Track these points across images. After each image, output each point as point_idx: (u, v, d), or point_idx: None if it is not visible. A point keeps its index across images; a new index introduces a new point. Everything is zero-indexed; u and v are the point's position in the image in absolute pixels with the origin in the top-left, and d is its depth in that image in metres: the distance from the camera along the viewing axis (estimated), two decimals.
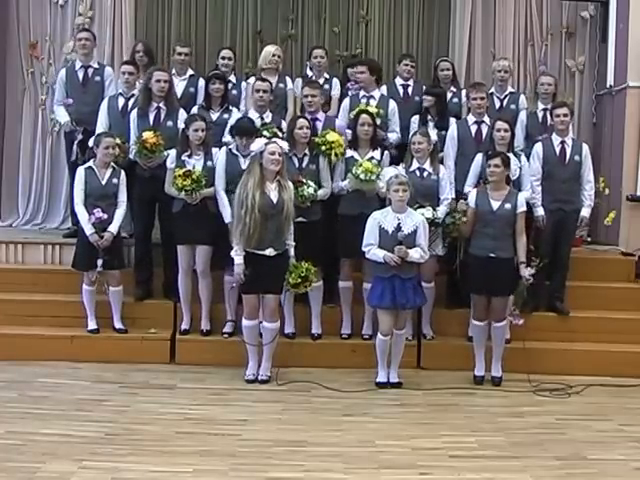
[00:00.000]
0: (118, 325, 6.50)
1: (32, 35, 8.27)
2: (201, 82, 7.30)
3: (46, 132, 8.27)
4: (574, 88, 8.52)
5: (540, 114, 7.04)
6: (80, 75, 7.34)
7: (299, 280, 5.86)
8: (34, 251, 7.28)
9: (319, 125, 6.70)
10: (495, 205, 6.02)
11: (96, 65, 7.40)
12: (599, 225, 8.03)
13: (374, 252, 5.86)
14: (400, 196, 5.84)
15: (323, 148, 6.37)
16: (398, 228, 5.83)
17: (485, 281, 5.95)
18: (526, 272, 5.96)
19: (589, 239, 8.09)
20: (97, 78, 7.34)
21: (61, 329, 6.44)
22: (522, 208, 6.08)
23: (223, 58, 7.33)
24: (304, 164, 6.38)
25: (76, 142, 7.12)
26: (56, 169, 8.22)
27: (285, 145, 5.97)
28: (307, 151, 6.39)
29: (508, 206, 6.02)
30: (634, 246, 7.58)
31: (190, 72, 7.39)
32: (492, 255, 5.98)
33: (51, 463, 4.44)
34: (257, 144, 5.89)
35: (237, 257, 5.81)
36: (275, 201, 5.80)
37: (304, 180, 6.23)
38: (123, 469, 4.41)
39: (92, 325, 6.46)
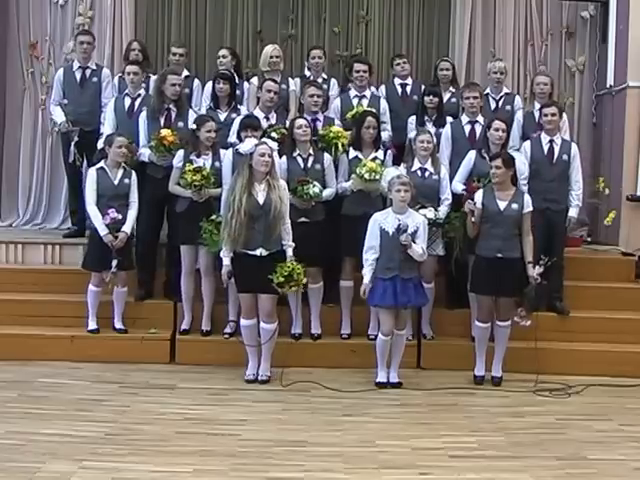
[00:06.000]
0: (118, 325, 6.50)
1: (32, 35, 8.27)
2: (196, 82, 7.33)
3: (46, 132, 8.27)
4: (574, 88, 8.52)
5: (537, 114, 7.01)
6: (78, 76, 7.36)
7: (282, 279, 5.76)
8: (34, 251, 7.28)
9: (319, 125, 6.71)
10: (502, 205, 5.99)
11: (94, 66, 7.42)
12: (599, 225, 8.04)
13: (365, 272, 5.87)
14: (402, 196, 5.83)
15: (331, 135, 6.38)
16: (399, 229, 5.83)
17: (493, 282, 5.93)
18: (534, 272, 5.94)
19: (589, 239, 8.10)
20: (94, 79, 7.36)
21: (61, 329, 6.44)
22: (528, 208, 6.04)
23: (223, 57, 7.30)
24: (309, 164, 6.37)
25: (73, 143, 7.13)
26: (56, 169, 8.21)
27: (274, 145, 5.95)
28: (311, 151, 6.38)
29: (515, 206, 6.00)
30: (634, 246, 7.58)
31: (186, 73, 7.38)
32: (499, 255, 5.95)
33: (51, 463, 4.44)
34: (247, 145, 5.86)
35: (224, 258, 5.85)
36: (262, 202, 5.78)
37: (309, 179, 6.23)
38: (123, 469, 4.41)
39: (92, 325, 6.45)
